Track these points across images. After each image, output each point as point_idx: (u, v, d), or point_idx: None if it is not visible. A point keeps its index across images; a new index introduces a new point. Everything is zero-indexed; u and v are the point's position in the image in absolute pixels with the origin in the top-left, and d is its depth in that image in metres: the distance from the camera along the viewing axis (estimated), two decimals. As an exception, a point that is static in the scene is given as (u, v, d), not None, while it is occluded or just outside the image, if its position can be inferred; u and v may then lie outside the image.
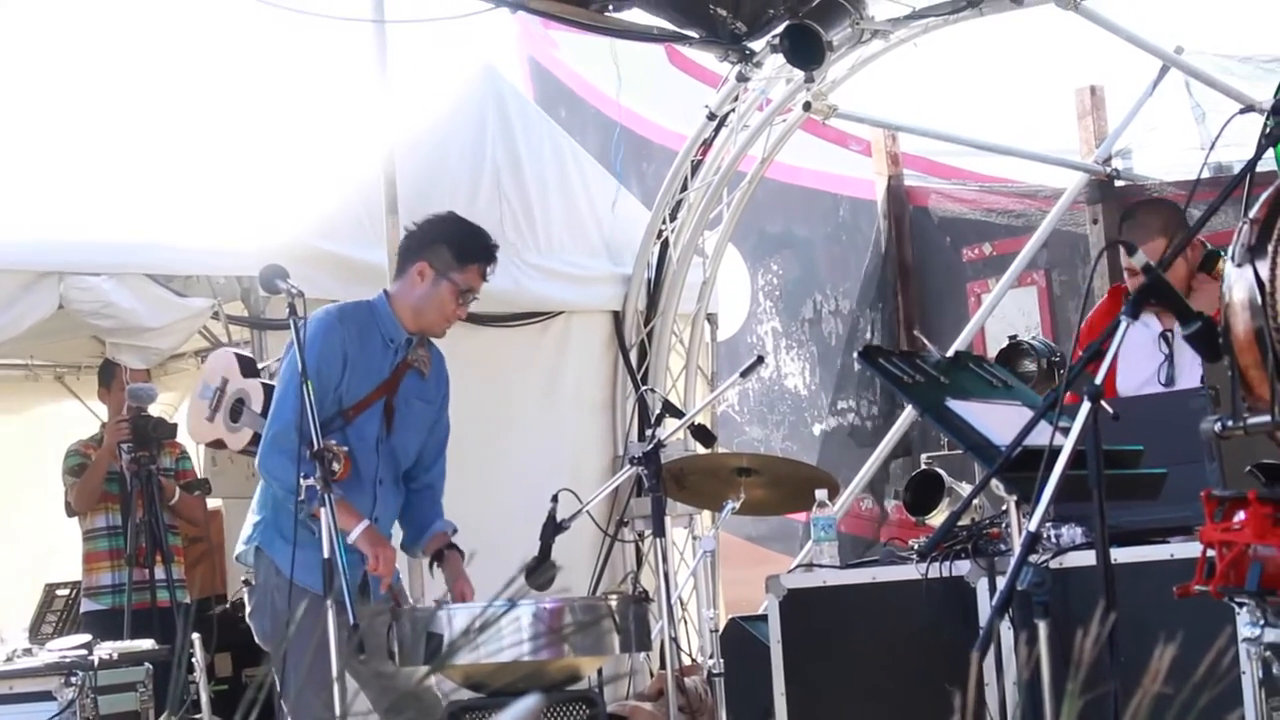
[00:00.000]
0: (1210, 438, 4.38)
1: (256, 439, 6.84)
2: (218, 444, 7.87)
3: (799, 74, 9.55)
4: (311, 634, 6.19)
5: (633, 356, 10.64)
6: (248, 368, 7.57)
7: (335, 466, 6.31)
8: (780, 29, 9.16)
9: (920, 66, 10.41)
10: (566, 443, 10.35)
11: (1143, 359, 7.32)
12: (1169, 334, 7.27)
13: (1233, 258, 4.22)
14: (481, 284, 6.73)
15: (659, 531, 7.04)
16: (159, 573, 8.97)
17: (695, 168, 10.57)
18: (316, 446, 6.15)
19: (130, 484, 9.04)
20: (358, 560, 6.38)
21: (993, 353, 8.58)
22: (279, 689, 6.43)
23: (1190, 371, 7.01)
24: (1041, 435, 4.56)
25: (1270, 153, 4.59)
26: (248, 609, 6.72)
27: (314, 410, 6.19)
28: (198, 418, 7.77)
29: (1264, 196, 4.23)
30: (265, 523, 6.59)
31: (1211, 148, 5.16)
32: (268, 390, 7.22)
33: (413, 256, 6.75)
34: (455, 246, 6.69)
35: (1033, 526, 4.32)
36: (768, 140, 10.31)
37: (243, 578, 6.75)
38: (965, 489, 7.06)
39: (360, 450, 6.59)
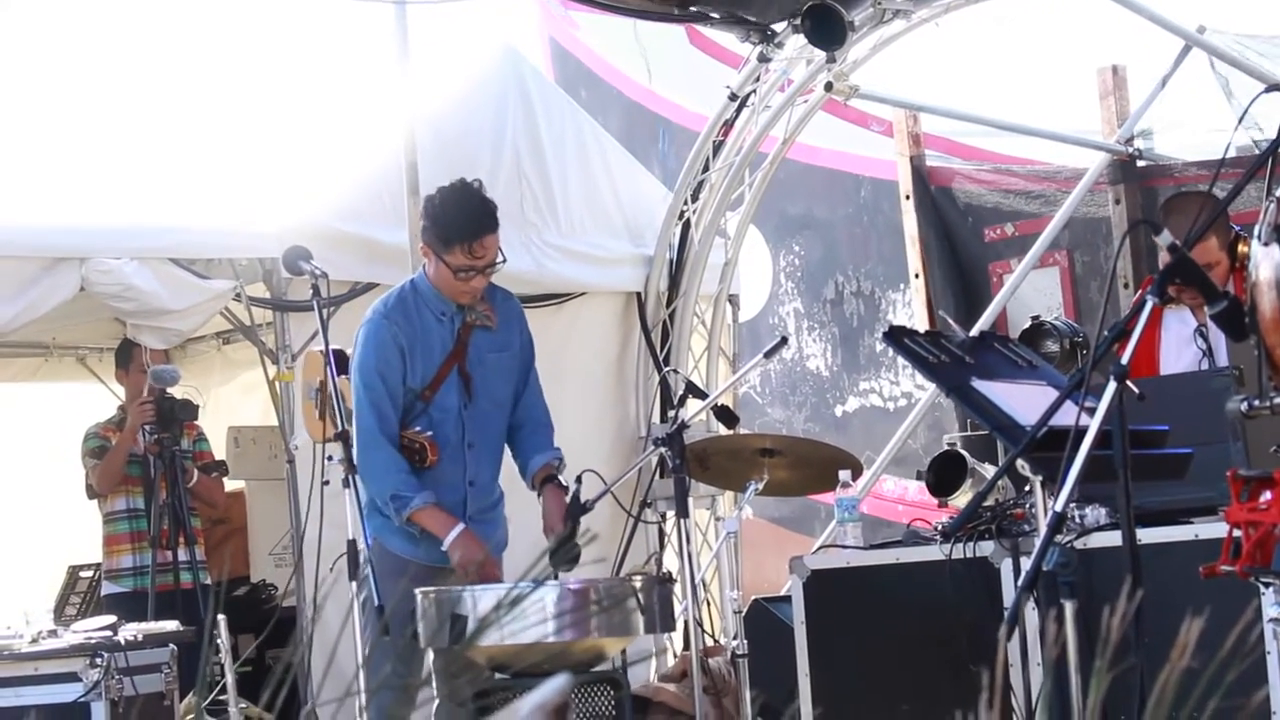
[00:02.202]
0: (1236, 417, 4.37)
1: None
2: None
3: (820, 54, 9.52)
4: (403, 600, 6.24)
5: (655, 337, 10.62)
6: (340, 365, 7.50)
7: (424, 455, 6.46)
8: (802, 9, 9.14)
9: (942, 46, 10.40)
10: (588, 424, 10.34)
11: (1182, 355, 7.35)
12: (1204, 329, 7.29)
13: (1259, 237, 4.21)
14: (477, 260, 6.61)
15: (682, 512, 7.04)
16: (182, 554, 8.98)
17: (717, 148, 10.55)
18: (340, 428, 6.20)
19: (153, 466, 9.05)
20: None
21: (1015, 333, 8.57)
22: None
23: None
24: (1067, 415, 4.55)
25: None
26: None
27: (339, 397, 6.24)
28: (311, 419, 7.80)
29: (1290, 175, 4.22)
30: (376, 519, 6.65)
31: (1237, 126, 5.15)
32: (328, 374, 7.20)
33: (421, 234, 6.83)
34: (437, 230, 6.66)
35: (1058, 507, 4.31)
36: (789, 121, 10.29)
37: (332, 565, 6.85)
38: (988, 470, 7.05)
39: (444, 423, 6.68)
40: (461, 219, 6.65)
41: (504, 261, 6.76)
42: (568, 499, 6.89)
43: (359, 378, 6.54)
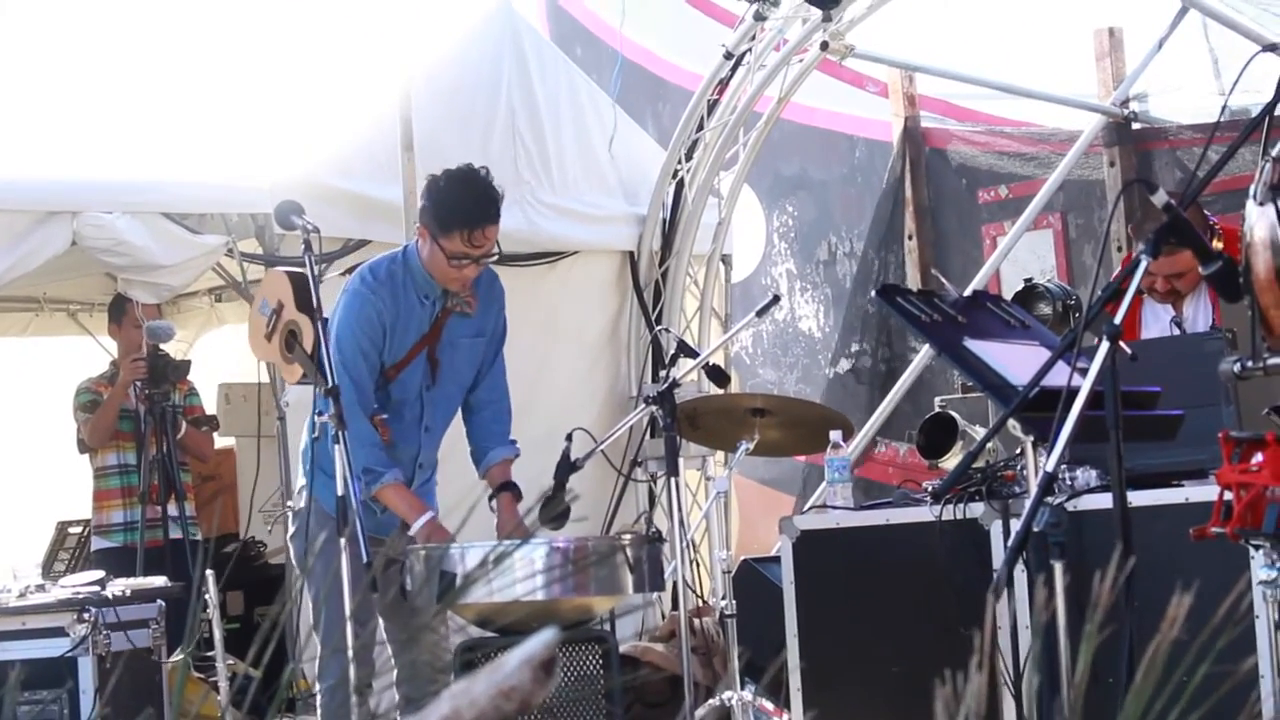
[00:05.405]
0: (1229, 379, 4.36)
1: (304, 377, 6.77)
2: (271, 364, 7.82)
3: (816, 13, 9.49)
4: (333, 560, 6.18)
5: (647, 297, 10.60)
6: (302, 300, 7.32)
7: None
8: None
9: (938, 7, 10.36)
10: (579, 382, 10.33)
11: None
12: (1179, 320, 7.29)
13: (1254, 196, 4.19)
14: (475, 249, 6.46)
15: (672, 472, 7.01)
16: (171, 510, 8.97)
17: (711, 108, 10.51)
18: (331, 383, 6.16)
19: (144, 421, 9.03)
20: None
21: (1008, 296, 8.56)
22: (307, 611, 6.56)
23: None
24: (1059, 376, 4.52)
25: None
26: (290, 531, 6.82)
27: (329, 356, 6.20)
28: (257, 334, 7.70)
29: (1286, 136, 4.20)
30: (319, 478, 6.59)
31: (1232, 89, 5.12)
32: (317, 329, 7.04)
33: (420, 214, 6.67)
34: (436, 213, 6.50)
35: (1049, 467, 4.29)
36: (784, 80, 10.25)
37: (289, 503, 6.79)
38: (979, 432, 7.03)
39: (404, 403, 6.61)
40: (465, 206, 6.48)
41: (499, 253, 6.63)
42: (558, 462, 6.87)
43: (340, 348, 6.46)
